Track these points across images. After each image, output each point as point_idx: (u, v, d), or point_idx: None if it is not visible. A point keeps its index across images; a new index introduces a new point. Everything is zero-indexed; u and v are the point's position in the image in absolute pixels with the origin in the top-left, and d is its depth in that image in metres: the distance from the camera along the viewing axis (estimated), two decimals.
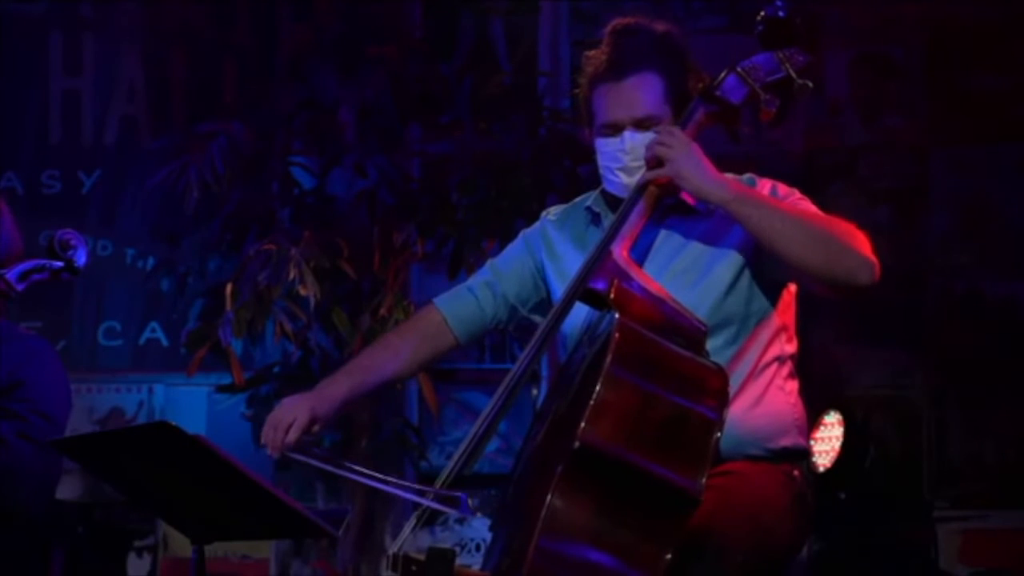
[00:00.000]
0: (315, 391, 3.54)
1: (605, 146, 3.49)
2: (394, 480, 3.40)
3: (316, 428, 3.48)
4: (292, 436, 3.44)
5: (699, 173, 3.35)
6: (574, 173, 6.48)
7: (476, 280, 3.70)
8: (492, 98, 6.75)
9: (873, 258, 3.30)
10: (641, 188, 3.40)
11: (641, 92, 3.45)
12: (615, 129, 3.47)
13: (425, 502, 3.24)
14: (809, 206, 3.44)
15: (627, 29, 3.49)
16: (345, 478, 3.44)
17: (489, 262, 3.74)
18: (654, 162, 3.38)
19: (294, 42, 7.06)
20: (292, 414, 3.46)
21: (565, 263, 3.54)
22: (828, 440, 6.51)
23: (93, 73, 7.78)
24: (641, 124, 3.45)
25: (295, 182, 6.91)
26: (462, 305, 3.66)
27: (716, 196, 3.34)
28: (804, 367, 3.53)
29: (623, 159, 3.46)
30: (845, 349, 7.14)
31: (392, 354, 3.64)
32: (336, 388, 3.56)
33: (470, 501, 3.18)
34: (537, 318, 3.63)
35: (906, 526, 6.76)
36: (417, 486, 3.33)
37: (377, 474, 3.37)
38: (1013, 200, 7.17)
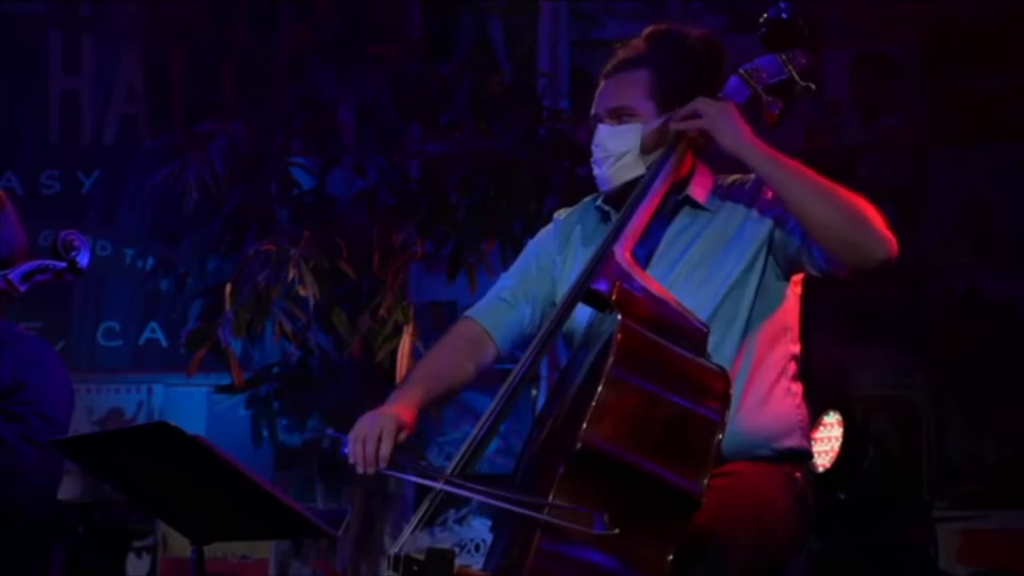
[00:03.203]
0: (391, 401, 3.35)
1: (592, 140, 3.50)
2: (504, 494, 3.11)
3: (403, 436, 3.26)
4: (385, 448, 3.21)
5: (733, 130, 3.34)
6: (573, 173, 6.48)
7: (503, 289, 3.57)
8: (491, 98, 6.74)
9: (891, 235, 3.31)
10: (674, 140, 3.39)
11: (622, 86, 3.46)
12: (595, 122, 3.49)
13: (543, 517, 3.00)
14: None
15: (652, 33, 3.50)
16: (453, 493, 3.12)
17: (504, 274, 3.63)
18: (691, 114, 3.37)
19: (294, 42, 7.06)
20: (378, 425, 3.23)
21: (574, 262, 3.51)
22: (828, 440, 6.51)
23: (92, 73, 7.77)
24: (612, 113, 3.45)
25: (294, 182, 6.91)
26: (499, 313, 3.52)
27: (748, 153, 3.33)
28: (804, 367, 3.52)
29: (595, 151, 3.47)
30: (845, 349, 7.13)
31: (448, 364, 3.46)
32: (411, 396, 3.37)
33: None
34: None
35: (906, 526, 6.77)
36: (532, 499, 3.03)
37: (481, 487, 3.12)
38: (1013, 200, 7.16)
